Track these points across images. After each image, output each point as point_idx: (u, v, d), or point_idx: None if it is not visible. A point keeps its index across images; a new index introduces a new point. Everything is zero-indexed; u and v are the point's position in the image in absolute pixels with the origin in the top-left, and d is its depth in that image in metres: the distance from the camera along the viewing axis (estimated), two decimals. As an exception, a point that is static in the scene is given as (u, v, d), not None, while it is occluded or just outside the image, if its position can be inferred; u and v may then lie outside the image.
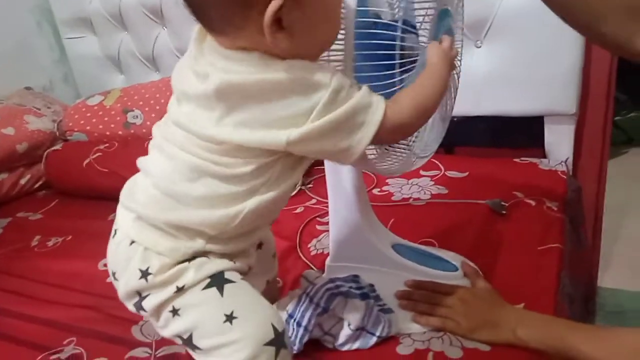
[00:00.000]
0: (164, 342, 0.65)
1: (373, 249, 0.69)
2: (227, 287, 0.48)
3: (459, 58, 0.61)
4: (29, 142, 1.28)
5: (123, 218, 0.50)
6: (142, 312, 0.50)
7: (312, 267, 0.77)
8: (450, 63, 0.50)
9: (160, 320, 0.49)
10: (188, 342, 0.48)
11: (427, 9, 0.53)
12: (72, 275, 0.87)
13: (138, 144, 1.17)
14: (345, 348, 0.59)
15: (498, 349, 0.56)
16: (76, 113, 1.37)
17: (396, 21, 0.47)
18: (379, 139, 0.45)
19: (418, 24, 0.52)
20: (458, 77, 0.63)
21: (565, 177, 0.94)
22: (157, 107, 1.32)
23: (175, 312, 0.48)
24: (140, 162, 0.51)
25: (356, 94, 0.43)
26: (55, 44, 1.64)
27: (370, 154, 0.53)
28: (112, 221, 0.52)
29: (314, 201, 0.98)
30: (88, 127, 1.34)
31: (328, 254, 0.74)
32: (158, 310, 0.49)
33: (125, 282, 0.49)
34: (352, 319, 0.58)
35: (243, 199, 0.46)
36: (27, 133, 1.29)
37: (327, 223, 0.72)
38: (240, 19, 0.40)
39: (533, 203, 0.86)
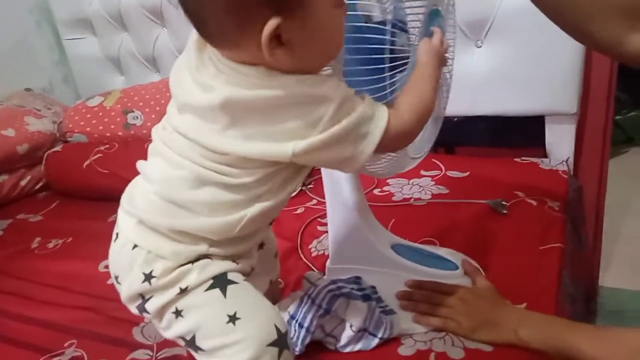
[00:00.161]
0: (165, 344, 0.65)
1: (372, 250, 0.69)
2: (230, 288, 0.48)
3: (451, 57, 0.61)
4: (30, 144, 1.28)
5: (124, 222, 0.50)
6: (145, 315, 0.50)
7: (313, 268, 0.77)
8: (440, 59, 0.51)
9: (163, 321, 0.49)
10: (191, 343, 0.48)
11: (417, 7, 0.53)
12: (73, 277, 0.87)
13: (138, 145, 1.17)
14: (347, 350, 0.58)
15: (500, 350, 0.56)
16: (76, 114, 1.37)
17: (385, 22, 0.47)
18: (381, 148, 0.45)
19: (409, 24, 0.52)
20: (451, 77, 0.63)
21: (566, 176, 0.94)
22: (157, 108, 1.32)
23: (178, 313, 0.48)
24: (140, 165, 0.51)
25: (360, 105, 0.43)
26: (55, 45, 1.64)
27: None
28: (113, 222, 0.52)
29: (314, 202, 0.98)
30: (88, 129, 1.34)
31: (329, 255, 0.74)
32: (161, 312, 0.49)
33: (128, 286, 0.49)
34: (354, 321, 0.58)
35: (245, 206, 0.46)
36: (28, 134, 1.29)
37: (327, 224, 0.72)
38: (239, 35, 0.40)
39: (534, 203, 0.85)
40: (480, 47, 1.04)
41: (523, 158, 1.03)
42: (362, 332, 0.58)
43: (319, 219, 0.91)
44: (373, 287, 0.62)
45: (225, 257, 0.49)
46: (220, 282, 0.48)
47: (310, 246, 0.84)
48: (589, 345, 0.51)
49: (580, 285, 0.85)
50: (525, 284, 0.67)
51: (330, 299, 0.58)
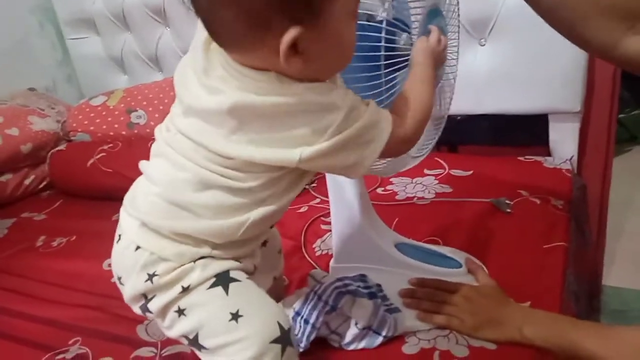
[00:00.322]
0: (169, 341, 0.65)
1: (376, 248, 0.69)
2: (232, 285, 0.48)
3: (455, 57, 0.61)
4: (33, 143, 1.29)
5: (127, 224, 0.50)
6: (148, 314, 0.50)
7: (317, 267, 0.77)
8: (436, 59, 0.51)
9: (166, 320, 0.49)
10: (194, 342, 0.48)
11: (415, 7, 0.53)
12: (77, 276, 0.87)
13: (142, 144, 1.17)
14: (351, 347, 0.58)
15: (504, 348, 0.56)
16: (80, 113, 1.37)
17: (381, 22, 0.48)
18: (385, 153, 0.46)
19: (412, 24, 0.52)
20: (454, 77, 0.63)
21: (570, 175, 0.94)
22: (161, 107, 1.32)
23: (181, 312, 0.48)
24: (143, 166, 0.51)
25: (366, 113, 0.44)
26: (58, 45, 1.65)
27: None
28: (116, 221, 0.52)
29: (317, 200, 0.98)
30: (92, 128, 1.34)
31: (332, 254, 0.74)
32: (164, 311, 0.49)
33: (131, 286, 0.49)
34: (359, 318, 0.58)
35: (248, 209, 0.46)
36: (32, 134, 1.29)
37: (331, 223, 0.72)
38: (255, 42, 0.40)
39: (538, 201, 0.85)
40: (484, 45, 1.04)
41: (526, 157, 1.03)
42: (367, 330, 0.58)
43: (322, 218, 0.91)
44: (379, 285, 0.62)
45: (227, 258, 0.49)
46: (223, 280, 0.48)
47: (314, 245, 0.84)
48: (593, 343, 0.51)
49: (584, 283, 0.85)
50: (529, 282, 0.66)
51: (337, 296, 0.58)
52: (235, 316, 0.46)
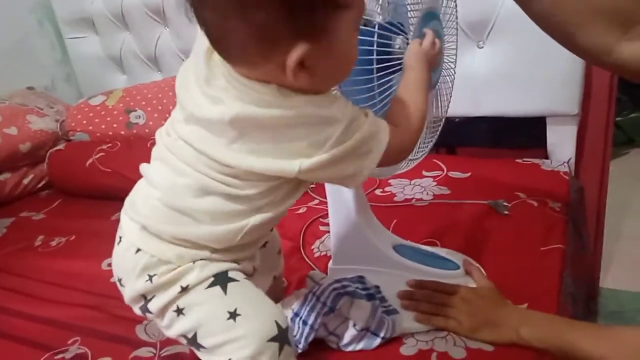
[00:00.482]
0: (168, 342, 0.65)
1: (374, 250, 0.69)
2: (230, 285, 0.48)
3: (452, 60, 0.62)
4: (32, 142, 1.29)
5: (128, 226, 0.50)
6: (148, 315, 0.51)
7: (316, 268, 0.77)
8: (429, 62, 0.52)
9: (165, 320, 0.49)
10: (192, 341, 0.48)
11: (412, 10, 0.53)
12: (76, 275, 0.87)
13: (141, 144, 1.18)
14: (349, 349, 0.59)
15: (501, 349, 0.56)
16: (79, 113, 1.37)
17: (381, 24, 0.48)
18: (382, 163, 0.46)
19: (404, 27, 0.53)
20: (452, 80, 0.63)
21: (567, 177, 0.95)
22: (160, 107, 1.32)
23: (179, 311, 0.48)
24: (144, 169, 0.51)
25: (365, 125, 0.44)
26: (57, 44, 1.65)
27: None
28: (116, 221, 0.53)
29: (316, 201, 0.98)
30: (90, 127, 1.34)
31: (331, 256, 0.74)
32: (163, 310, 0.49)
33: (131, 288, 0.50)
34: (357, 319, 0.58)
35: (246, 216, 0.47)
36: (30, 133, 1.29)
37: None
38: (260, 56, 0.40)
39: (535, 204, 0.86)
40: (482, 47, 1.04)
41: (524, 159, 1.03)
42: (365, 331, 0.58)
43: (321, 219, 0.91)
44: (377, 287, 0.62)
45: (226, 260, 0.50)
46: (221, 279, 0.48)
47: (312, 246, 0.84)
48: (590, 343, 0.51)
49: (581, 285, 0.85)
50: (526, 284, 0.67)
51: (335, 298, 0.58)
52: (233, 315, 0.46)
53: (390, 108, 0.50)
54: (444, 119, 0.65)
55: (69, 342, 0.70)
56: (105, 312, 0.75)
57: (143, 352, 0.65)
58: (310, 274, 0.66)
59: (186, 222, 0.47)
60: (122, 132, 1.32)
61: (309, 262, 0.80)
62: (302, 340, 0.57)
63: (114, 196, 1.11)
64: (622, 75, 0.56)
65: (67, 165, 1.26)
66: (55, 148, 1.31)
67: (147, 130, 1.30)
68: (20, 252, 1.00)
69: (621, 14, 0.51)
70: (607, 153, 1.05)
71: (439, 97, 0.62)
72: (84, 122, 1.35)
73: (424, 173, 1.02)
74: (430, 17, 0.55)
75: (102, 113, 1.35)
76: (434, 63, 0.53)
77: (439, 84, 0.61)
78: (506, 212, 0.84)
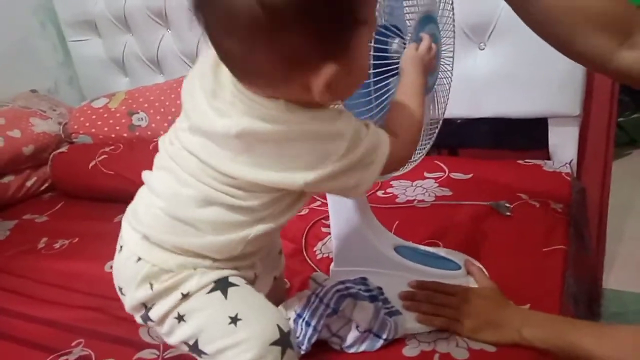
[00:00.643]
0: (171, 343, 0.65)
1: (375, 251, 0.69)
2: (230, 290, 0.48)
3: (449, 62, 0.62)
4: (35, 145, 1.29)
5: (129, 235, 0.50)
6: (149, 323, 0.51)
7: (318, 270, 0.78)
8: (425, 66, 0.52)
9: (166, 327, 0.50)
10: (194, 348, 0.48)
11: (410, 12, 0.53)
12: (79, 277, 0.87)
13: (143, 146, 1.18)
14: (352, 350, 0.59)
15: (504, 350, 0.56)
16: (81, 115, 1.38)
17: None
18: (382, 172, 0.47)
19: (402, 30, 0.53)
20: (449, 82, 0.63)
21: (569, 178, 0.95)
22: (162, 110, 1.33)
23: (180, 318, 0.48)
24: (146, 176, 0.51)
25: (367, 137, 0.45)
26: (59, 47, 1.65)
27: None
28: (118, 223, 0.53)
29: (318, 203, 0.98)
30: (93, 130, 1.35)
31: (333, 258, 0.74)
32: (163, 318, 0.49)
33: (131, 297, 0.50)
34: (360, 321, 0.58)
35: (248, 226, 0.47)
36: (33, 135, 1.30)
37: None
38: (284, 79, 0.40)
39: (537, 205, 0.86)
40: (483, 49, 1.05)
41: (526, 160, 1.03)
42: (368, 333, 0.58)
43: (323, 221, 0.91)
44: (379, 288, 0.62)
45: (227, 268, 0.50)
46: (222, 284, 0.48)
47: (314, 248, 0.84)
48: (593, 342, 0.51)
49: (583, 287, 0.85)
50: (528, 285, 0.67)
51: (338, 299, 0.58)
52: (234, 320, 0.47)
53: (388, 117, 0.51)
54: (441, 122, 0.65)
55: (73, 344, 0.70)
56: (109, 314, 0.75)
57: (146, 354, 0.65)
58: (313, 275, 0.67)
59: (188, 232, 0.47)
60: (125, 135, 1.32)
61: (311, 264, 0.80)
62: (305, 341, 0.57)
63: (116, 198, 1.12)
64: (624, 82, 0.56)
65: (70, 168, 1.26)
66: (58, 150, 1.32)
67: (149, 133, 1.31)
68: (24, 254, 1.00)
69: (617, 24, 0.52)
70: (609, 154, 1.05)
71: (435, 100, 0.63)
72: (87, 124, 1.36)
73: (426, 174, 1.02)
74: (427, 20, 0.56)
75: (105, 115, 1.36)
76: (430, 67, 0.54)
77: (435, 87, 0.61)
78: (508, 213, 0.84)
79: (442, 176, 1.01)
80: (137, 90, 1.41)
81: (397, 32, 0.52)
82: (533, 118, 1.03)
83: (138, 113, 1.34)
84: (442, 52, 0.61)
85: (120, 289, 0.51)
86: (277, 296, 0.64)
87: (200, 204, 0.46)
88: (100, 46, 1.59)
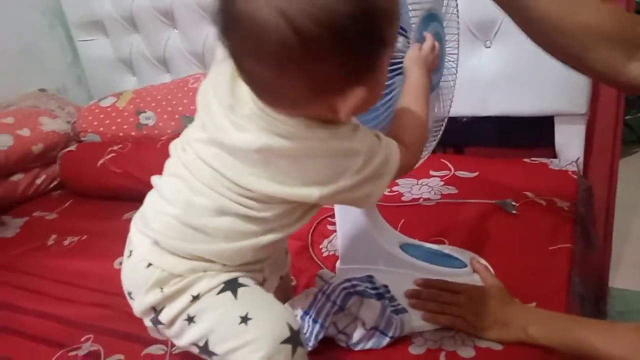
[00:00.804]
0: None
1: (381, 249, 0.69)
2: (240, 290, 0.49)
3: (454, 59, 0.62)
4: (44, 143, 1.31)
5: (139, 241, 0.50)
6: (159, 327, 0.51)
7: (324, 268, 0.78)
8: (428, 66, 0.52)
9: (176, 329, 0.50)
10: (204, 349, 0.49)
11: (414, 10, 0.53)
12: (88, 274, 0.88)
13: (150, 145, 1.19)
14: (359, 347, 0.59)
15: (510, 348, 0.57)
16: (90, 114, 1.39)
17: None
18: (393, 179, 0.48)
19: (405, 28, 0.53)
20: (454, 80, 0.64)
21: (575, 177, 0.94)
22: (169, 109, 1.34)
23: (190, 319, 0.48)
24: (156, 182, 0.51)
25: (380, 150, 0.46)
26: (68, 46, 1.67)
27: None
28: (126, 221, 0.53)
29: (324, 201, 0.99)
30: (101, 129, 1.36)
31: (338, 256, 0.75)
32: (173, 320, 0.49)
33: (140, 301, 0.50)
34: (367, 319, 0.59)
35: (260, 235, 0.48)
36: (42, 134, 1.31)
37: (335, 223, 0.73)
38: (309, 102, 0.41)
39: (544, 203, 0.86)
40: (489, 47, 1.04)
41: (532, 158, 1.03)
42: (374, 330, 0.59)
43: (329, 218, 0.92)
44: (386, 286, 0.63)
45: (236, 270, 0.51)
46: (231, 285, 0.49)
47: (321, 246, 0.85)
48: (600, 340, 0.51)
49: (589, 285, 0.85)
50: (534, 284, 0.67)
51: (345, 297, 0.59)
52: (245, 319, 0.47)
53: (395, 124, 0.51)
54: (445, 120, 0.66)
55: (82, 339, 0.71)
56: (117, 310, 0.75)
57: (154, 349, 0.66)
58: (319, 272, 0.67)
59: (200, 239, 0.47)
60: (133, 133, 1.33)
61: (318, 261, 0.80)
62: (312, 338, 0.58)
63: (124, 196, 1.13)
64: (635, 94, 0.57)
65: (78, 166, 1.28)
66: (67, 149, 1.33)
67: (156, 132, 1.32)
68: (34, 251, 1.02)
69: (627, 39, 0.53)
70: (616, 152, 1.05)
71: (441, 99, 0.63)
72: (95, 123, 1.37)
73: (432, 173, 1.02)
74: (431, 18, 0.56)
75: (113, 114, 1.37)
76: (433, 66, 0.54)
77: (440, 84, 0.61)
78: (514, 212, 0.84)
79: (448, 174, 1.01)
80: (144, 90, 1.42)
81: (401, 31, 0.52)
82: (539, 116, 1.03)
83: (145, 112, 1.35)
84: (447, 49, 0.61)
85: (130, 294, 0.52)
86: (284, 294, 0.65)
87: (213, 213, 0.46)
88: (108, 46, 1.60)
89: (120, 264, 0.54)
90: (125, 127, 1.34)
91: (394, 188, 1.00)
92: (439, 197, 0.93)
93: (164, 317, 0.49)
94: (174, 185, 0.49)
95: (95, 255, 0.93)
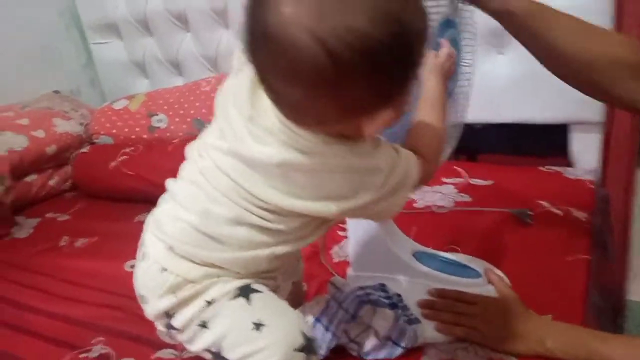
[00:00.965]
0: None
1: (394, 257, 0.69)
2: (253, 296, 0.48)
3: (469, 64, 0.61)
4: (58, 145, 1.32)
5: (153, 245, 0.50)
6: (172, 332, 0.51)
7: (335, 274, 0.77)
8: (444, 74, 0.52)
9: (189, 335, 0.50)
10: (217, 355, 0.49)
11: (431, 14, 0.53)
12: (99, 276, 0.89)
13: (161, 147, 1.20)
14: (370, 357, 0.58)
15: (525, 361, 0.55)
16: (102, 117, 1.41)
17: None
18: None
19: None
20: (470, 85, 0.63)
21: (592, 186, 0.93)
22: (181, 112, 1.34)
23: (203, 324, 0.48)
24: (171, 187, 0.51)
25: (400, 166, 0.45)
26: (82, 49, 1.69)
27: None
28: (138, 223, 0.53)
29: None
30: (114, 131, 1.37)
31: (349, 261, 0.74)
32: (186, 325, 0.49)
33: (154, 306, 0.50)
34: (380, 328, 0.58)
35: (274, 246, 0.48)
36: (56, 136, 1.33)
37: (347, 229, 0.72)
38: (337, 122, 0.40)
39: (560, 213, 0.84)
40: (503, 54, 1.03)
41: (547, 167, 1.02)
42: (386, 340, 0.58)
43: (339, 224, 0.91)
44: (399, 295, 0.62)
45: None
46: (245, 291, 0.49)
47: (331, 251, 0.84)
48: (622, 354, 0.50)
49: (607, 298, 0.83)
50: (550, 295, 0.66)
51: (358, 305, 0.58)
52: (258, 325, 0.47)
53: (413, 135, 0.51)
54: (462, 127, 0.65)
55: (93, 341, 0.71)
56: (128, 312, 0.75)
57: (165, 353, 0.66)
58: (332, 279, 0.66)
59: (213, 247, 0.47)
60: (145, 136, 1.34)
61: (329, 267, 0.80)
62: (324, 346, 0.57)
63: (136, 198, 1.14)
64: None
65: (91, 168, 1.29)
66: (80, 151, 1.35)
67: (168, 134, 1.32)
68: (46, 252, 1.02)
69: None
70: (633, 160, 1.03)
71: (456, 105, 0.62)
72: (108, 125, 1.38)
73: (444, 180, 1.01)
74: (448, 24, 0.55)
75: (125, 117, 1.38)
76: (450, 74, 0.54)
77: (455, 92, 0.60)
78: (530, 221, 0.83)
79: (461, 182, 1.00)
80: (156, 93, 1.43)
81: None
82: (554, 124, 1.01)
83: (157, 115, 1.36)
84: (462, 56, 0.60)
85: (142, 297, 0.52)
86: (295, 300, 0.64)
87: (230, 223, 0.46)
88: (121, 49, 1.62)
89: (131, 266, 0.54)
90: (137, 129, 1.35)
91: (406, 194, 0.99)
92: (453, 204, 0.92)
93: (177, 322, 0.49)
94: (191, 191, 0.49)
95: (106, 257, 0.94)
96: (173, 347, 0.67)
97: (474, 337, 0.59)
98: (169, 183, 0.52)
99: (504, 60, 1.03)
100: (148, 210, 0.53)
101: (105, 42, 1.63)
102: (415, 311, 0.62)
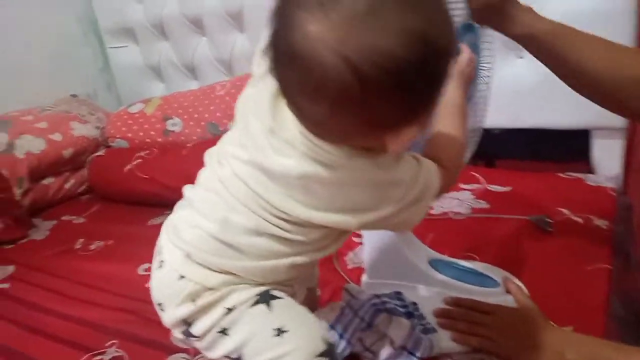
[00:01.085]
0: (202, 349, 0.65)
1: (409, 264, 0.68)
2: (274, 302, 0.48)
3: (488, 67, 0.60)
4: (74, 148, 1.34)
5: (170, 252, 0.50)
6: (191, 339, 0.50)
7: (349, 280, 0.77)
8: (465, 79, 0.52)
9: (209, 342, 0.49)
10: None
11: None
12: (114, 279, 0.89)
13: (175, 151, 1.20)
14: (385, 366, 0.57)
15: (544, 374, 0.54)
16: (118, 120, 1.42)
17: None
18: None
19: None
20: (488, 89, 0.62)
21: (614, 194, 0.90)
22: (196, 116, 1.35)
23: (223, 331, 0.48)
24: (189, 194, 0.51)
25: (421, 177, 0.45)
26: (99, 53, 1.71)
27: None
28: (152, 226, 0.53)
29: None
30: (129, 134, 1.39)
31: (364, 268, 0.73)
32: (206, 333, 0.49)
33: (171, 314, 0.49)
34: (395, 337, 0.57)
35: (292, 256, 0.47)
36: (73, 139, 1.35)
37: (362, 235, 0.72)
38: (361, 137, 0.40)
39: (580, 221, 0.82)
40: (522, 58, 1.02)
41: (567, 173, 0.99)
42: (402, 349, 0.57)
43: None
44: (415, 304, 0.61)
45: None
46: (265, 297, 0.48)
47: (345, 257, 0.83)
48: None
49: (629, 308, 0.80)
50: (571, 306, 0.64)
51: (374, 314, 0.57)
52: (280, 331, 0.46)
53: (434, 143, 0.50)
54: (480, 131, 0.64)
55: (107, 344, 0.71)
56: (142, 316, 0.76)
57: (178, 358, 0.66)
58: (346, 286, 0.65)
59: (231, 256, 0.47)
60: (159, 140, 1.35)
61: (342, 273, 0.79)
62: (338, 354, 0.56)
63: (150, 202, 1.14)
64: None
65: (106, 171, 1.30)
66: (96, 154, 1.36)
67: (182, 138, 1.33)
68: (62, 254, 1.03)
69: None
70: (656, 168, 1.00)
71: (475, 110, 0.61)
72: (123, 129, 1.40)
73: (462, 186, 0.99)
74: (467, 28, 0.54)
75: (141, 120, 1.40)
76: (469, 78, 0.53)
77: (475, 96, 0.59)
78: (549, 229, 0.81)
79: (479, 188, 0.98)
80: (172, 96, 1.44)
81: None
82: (573, 129, 0.99)
83: (172, 118, 1.37)
84: (481, 60, 0.59)
85: (160, 305, 0.51)
86: (310, 305, 0.63)
87: (249, 232, 0.46)
88: (137, 53, 1.64)
89: (145, 270, 0.54)
90: (152, 133, 1.36)
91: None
92: (470, 211, 0.91)
93: (197, 329, 0.49)
94: (210, 199, 0.48)
95: (120, 260, 0.94)
96: (185, 351, 0.67)
97: (490, 347, 0.57)
98: (187, 189, 0.51)
99: (523, 64, 1.02)
100: (162, 214, 0.53)
101: (122, 47, 1.66)
102: (431, 320, 0.61)
